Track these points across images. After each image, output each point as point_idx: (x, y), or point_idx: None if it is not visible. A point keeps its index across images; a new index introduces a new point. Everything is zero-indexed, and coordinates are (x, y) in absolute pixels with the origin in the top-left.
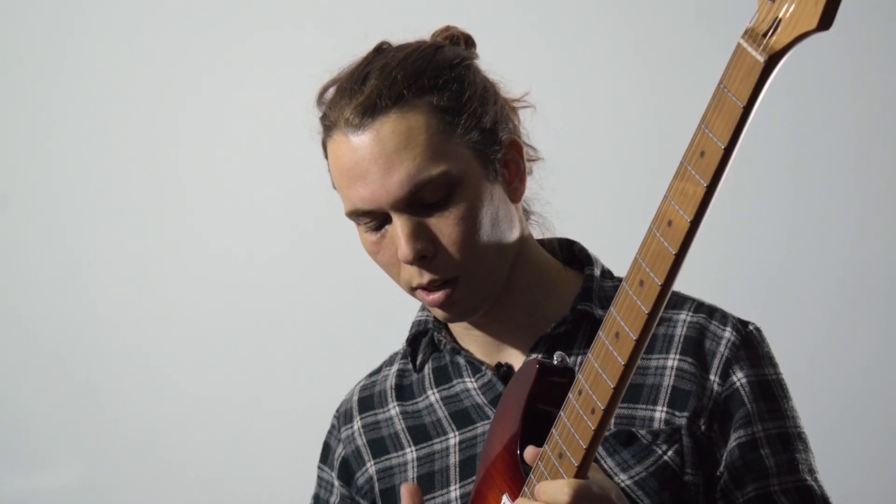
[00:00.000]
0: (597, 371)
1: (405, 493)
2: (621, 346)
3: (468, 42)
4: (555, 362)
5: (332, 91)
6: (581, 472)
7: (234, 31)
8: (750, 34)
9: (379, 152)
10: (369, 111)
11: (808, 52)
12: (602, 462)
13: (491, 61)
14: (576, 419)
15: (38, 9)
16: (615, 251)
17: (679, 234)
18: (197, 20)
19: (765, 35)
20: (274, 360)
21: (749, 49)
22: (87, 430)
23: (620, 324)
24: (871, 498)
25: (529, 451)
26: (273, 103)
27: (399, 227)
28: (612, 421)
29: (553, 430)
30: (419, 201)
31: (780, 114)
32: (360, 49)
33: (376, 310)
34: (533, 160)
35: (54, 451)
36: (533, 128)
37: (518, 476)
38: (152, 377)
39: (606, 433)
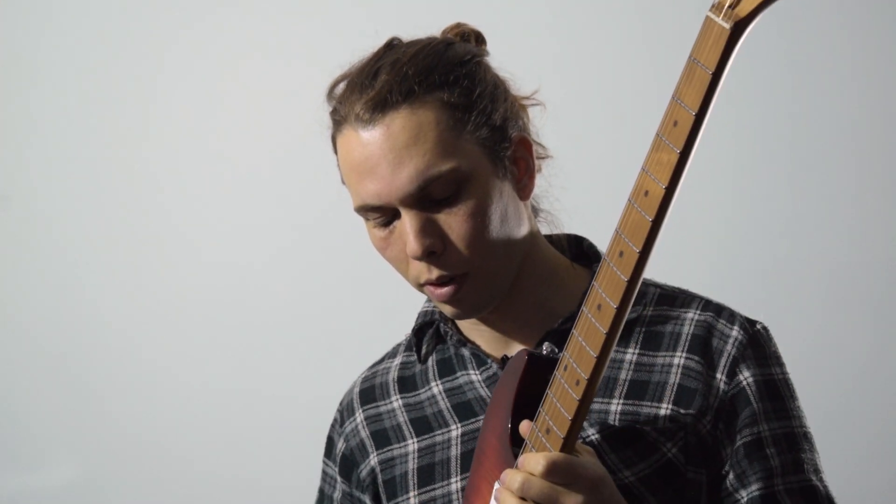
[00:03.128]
0: (581, 344)
1: None
2: (603, 316)
3: (478, 39)
4: (544, 352)
5: (342, 86)
6: (568, 444)
7: (240, 29)
8: (717, 6)
9: (389, 147)
10: (380, 106)
11: (804, 50)
12: (606, 458)
13: (501, 58)
14: (561, 393)
15: (40, 10)
16: None
17: (655, 201)
18: (205, 22)
19: (731, 6)
20: (273, 357)
21: (716, 19)
22: (84, 429)
23: (602, 296)
24: (868, 497)
25: (524, 424)
26: (275, 100)
27: (408, 222)
28: (617, 418)
29: (540, 409)
30: (428, 197)
31: (779, 113)
32: (370, 45)
33: (376, 306)
34: (542, 158)
35: (52, 450)
36: (543, 125)
37: (511, 465)
38: (150, 376)
39: (611, 430)
